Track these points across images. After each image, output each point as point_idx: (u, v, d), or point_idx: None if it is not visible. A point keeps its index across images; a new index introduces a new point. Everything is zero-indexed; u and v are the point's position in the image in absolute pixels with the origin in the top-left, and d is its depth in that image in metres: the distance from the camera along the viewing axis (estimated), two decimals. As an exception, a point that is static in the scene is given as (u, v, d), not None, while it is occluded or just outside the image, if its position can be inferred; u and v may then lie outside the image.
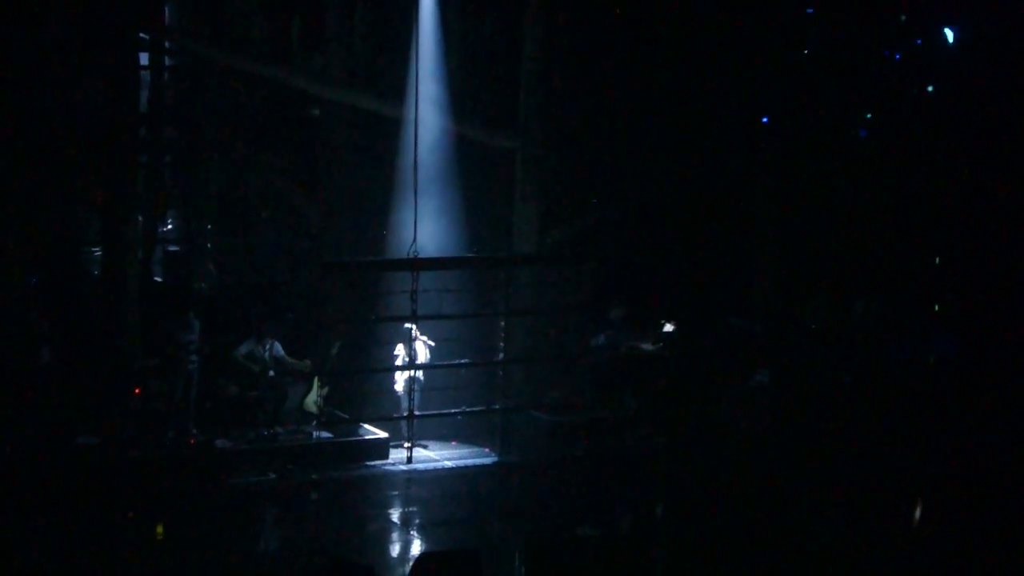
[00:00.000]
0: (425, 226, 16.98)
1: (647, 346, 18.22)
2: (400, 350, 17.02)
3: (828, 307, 18.38)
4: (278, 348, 16.41)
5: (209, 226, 19.28)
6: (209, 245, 19.19)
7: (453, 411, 17.17)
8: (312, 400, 16.52)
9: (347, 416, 16.94)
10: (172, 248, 19.46)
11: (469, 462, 16.76)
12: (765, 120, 19.25)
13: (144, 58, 17.95)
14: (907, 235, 19.09)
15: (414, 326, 16.66)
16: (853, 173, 19.26)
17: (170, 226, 19.74)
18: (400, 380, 17.08)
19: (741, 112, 19.05)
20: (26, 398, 15.40)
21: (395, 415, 16.84)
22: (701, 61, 18.66)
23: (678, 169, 19.14)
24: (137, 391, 16.02)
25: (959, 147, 18.77)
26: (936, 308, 18.68)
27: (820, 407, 17.44)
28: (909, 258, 19.11)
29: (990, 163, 18.52)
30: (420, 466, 16.44)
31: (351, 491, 15.58)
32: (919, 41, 18.97)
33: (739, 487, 15.62)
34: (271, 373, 16.32)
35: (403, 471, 16.25)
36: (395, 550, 14.05)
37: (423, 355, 17.06)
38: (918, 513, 14.93)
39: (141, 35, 17.26)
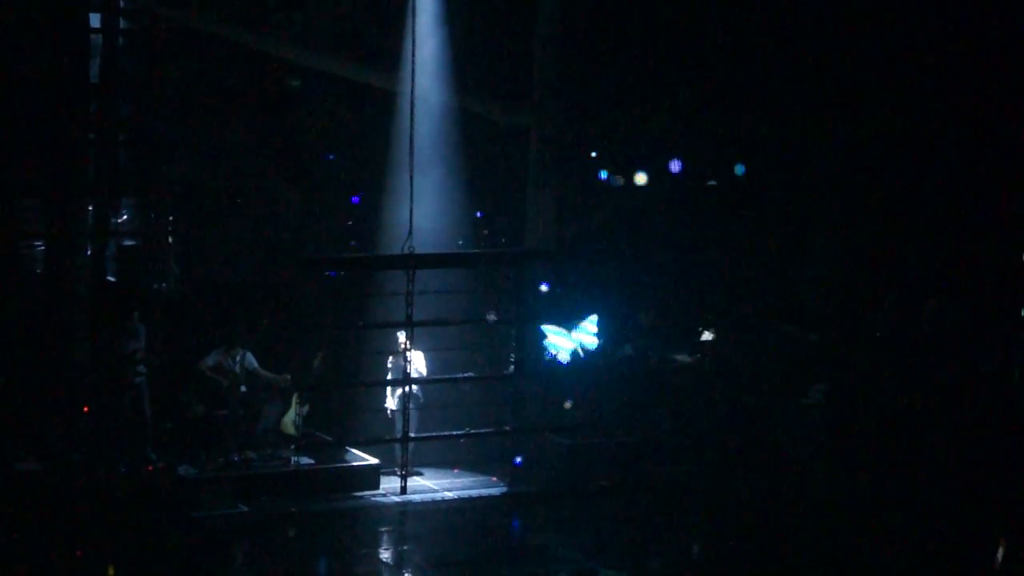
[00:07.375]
0: (423, 217, 16.83)
1: (682, 357, 18.29)
2: (393, 361, 16.96)
3: (895, 313, 18.39)
4: (250, 359, 16.40)
5: (171, 217, 19.28)
6: (171, 239, 19.19)
7: (455, 433, 17.24)
8: (290, 420, 16.48)
9: (331, 439, 16.93)
10: (127, 242, 19.46)
11: (473, 493, 16.75)
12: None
13: (95, 20, 17.85)
14: (986, 230, 19.13)
15: (407, 333, 16.56)
16: (923, 160, 19.36)
17: (125, 217, 19.71)
18: (393, 397, 17.04)
19: (795, 87, 19.17)
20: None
21: (387, 438, 16.86)
22: (750, 25, 18.91)
23: (719, 151, 19.09)
24: (86, 409, 15.96)
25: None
26: (1022, 313, 18.64)
27: (885, 429, 17.44)
28: (989, 256, 19.16)
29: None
30: (416, 497, 16.43)
31: (336, 526, 15.53)
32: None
33: (789, 522, 15.60)
34: (242, 388, 16.32)
35: (396, 503, 16.22)
36: (387, 596, 14.08)
37: (420, 368, 16.98)
38: (1001, 554, 14.84)
39: (91, -7, 17.46)
